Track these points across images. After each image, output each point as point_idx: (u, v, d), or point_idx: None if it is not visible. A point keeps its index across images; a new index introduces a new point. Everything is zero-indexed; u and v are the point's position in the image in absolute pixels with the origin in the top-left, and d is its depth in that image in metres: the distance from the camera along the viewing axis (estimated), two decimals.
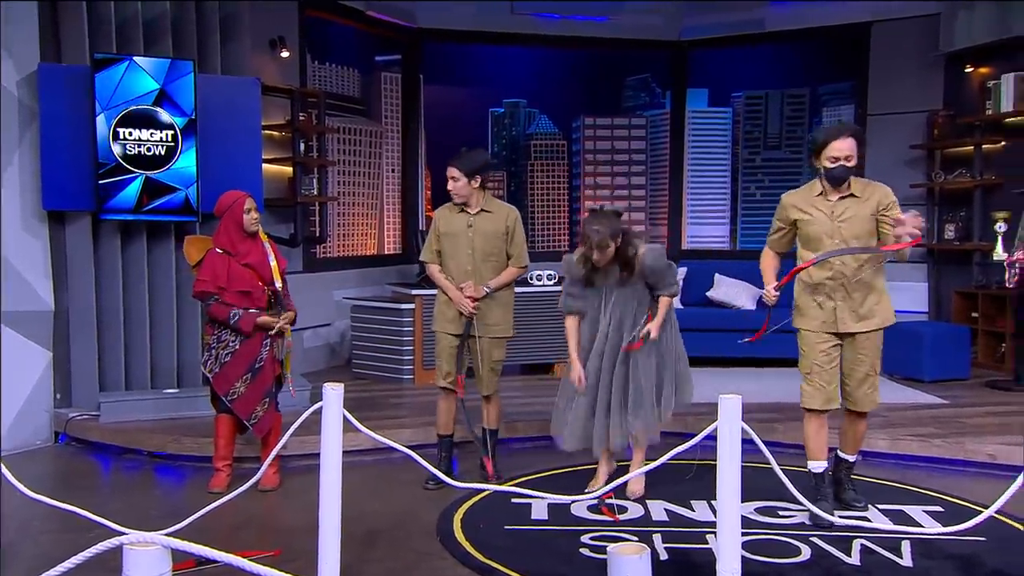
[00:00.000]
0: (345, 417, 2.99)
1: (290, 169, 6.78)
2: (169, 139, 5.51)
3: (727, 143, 9.29)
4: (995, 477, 4.48)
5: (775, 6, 8.46)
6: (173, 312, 5.82)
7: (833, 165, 3.77)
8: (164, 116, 5.50)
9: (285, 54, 6.79)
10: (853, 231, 3.82)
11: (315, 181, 7.02)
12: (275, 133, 6.74)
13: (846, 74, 8.54)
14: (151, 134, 5.47)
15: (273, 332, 4.43)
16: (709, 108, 9.29)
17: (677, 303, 7.49)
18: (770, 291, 3.98)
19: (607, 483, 4.35)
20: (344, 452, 3.06)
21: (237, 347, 4.36)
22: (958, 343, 6.75)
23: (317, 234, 7.28)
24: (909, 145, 7.86)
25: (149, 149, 5.47)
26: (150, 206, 5.51)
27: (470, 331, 4.46)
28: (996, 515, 3.41)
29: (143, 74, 5.43)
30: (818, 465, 4.03)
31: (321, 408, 2.98)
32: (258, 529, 3.92)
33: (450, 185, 4.44)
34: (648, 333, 4.17)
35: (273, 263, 4.47)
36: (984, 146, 7.37)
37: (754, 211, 9.25)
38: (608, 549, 2.89)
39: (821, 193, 3.89)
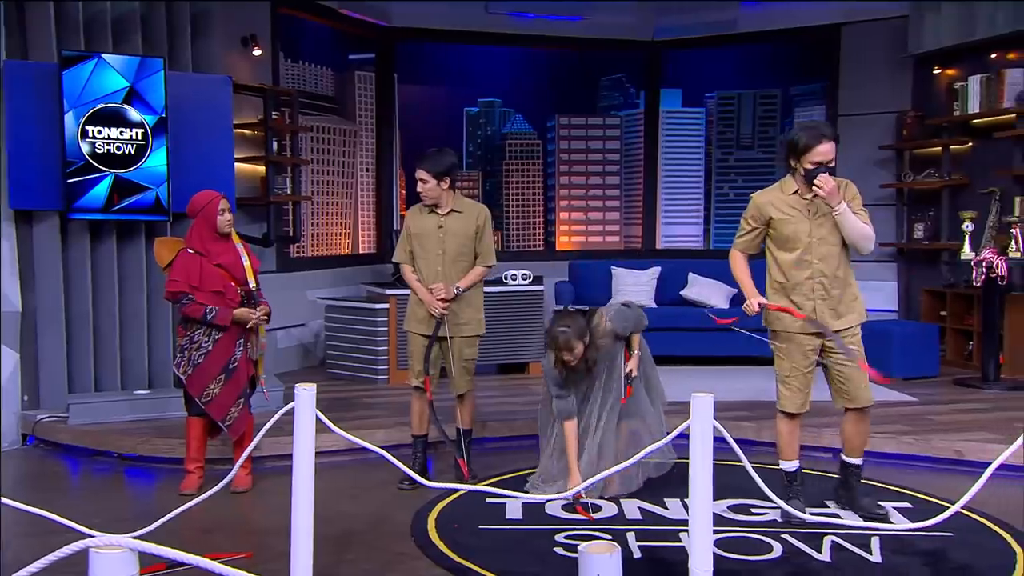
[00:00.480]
0: (318, 418, 2.97)
1: (263, 168, 6.73)
2: (139, 138, 5.45)
3: (700, 143, 9.35)
4: (962, 473, 4.54)
5: (747, 7, 8.53)
6: (144, 312, 5.76)
7: (813, 168, 3.77)
8: (134, 114, 5.44)
9: (257, 52, 6.74)
10: (830, 228, 3.85)
11: (288, 180, 6.98)
12: (247, 132, 6.69)
13: (817, 75, 8.63)
14: (120, 132, 5.40)
15: (250, 326, 4.39)
16: (683, 108, 9.34)
17: (651, 302, 7.59)
18: (754, 304, 3.96)
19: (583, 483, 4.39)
20: (318, 453, 3.04)
21: (210, 348, 4.31)
22: (927, 341, 6.84)
23: (291, 234, 7.24)
24: (879, 146, 7.96)
25: (119, 148, 5.41)
26: (120, 205, 5.44)
27: (441, 331, 4.46)
28: (963, 511, 3.46)
29: (112, 72, 5.37)
30: (790, 464, 4.05)
31: (293, 409, 2.96)
32: (230, 531, 3.89)
33: (419, 187, 4.45)
34: (631, 374, 4.31)
35: (247, 262, 4.43)
36: (952, 147, 7.48)
37: (727, 211, 9.32)
38: (579, 548, 2.90)
39: (796, 192, 3.89)
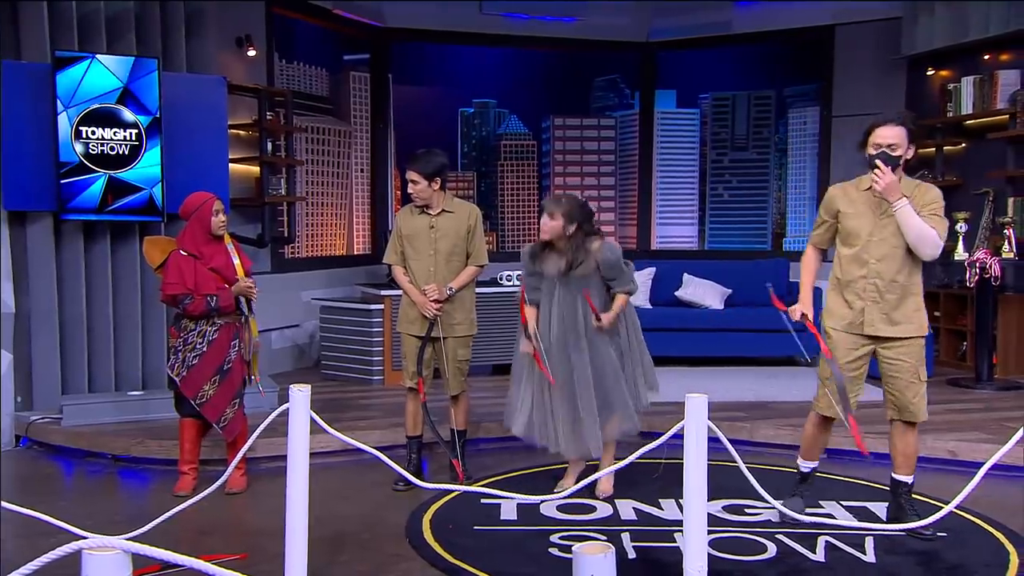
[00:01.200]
0: (313, 418, 2.97)
1: (257, 169, 6.72)
2: (133, 138, 5.44)
3: (695, 144, 9.37)
4: (956, 473, 4.55)
5: (741, 8, 8.54)
6: (138, 313, 5.74)
7: (875, 152, 3.62)
8: (128, 115, 5.42)
9: (252, 52, 6.73)
10: (895, 228, 3.63)
11: (283, 181, 6.96)
12: (242, 132, 6.68)
13: (811, 76, 8.66)
14: (114, 133, 5.39)
15: (252, 298, 4.42)
16: (677, 109, 9.36)
17: (646, 303, 7.60)
18: (797, 313, 3.86)
19: (577, 482, 4.38)
20: (312, 454, 3.04)
21: (204, 349, 4.30)
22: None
23: (285, 234, 7.22)
24: (859, 147, 7.96)
25: (112, 148, 5.39)
26: (113, 206, 5.43)
27: (433, 332, 4.45)
28: (956, 510, 3.48)
29: (106, 72, 5.35)
30: (806, 464, 3.98)
31: (288, 410, 2.96)
32: (225, 532, 3.88)
33: (410, 188, 4.45)
34: (600, 326, 4.14)
35: (237, 262, 4.40)
36: (945, 148, 7.50)
37: (722, 211, 9.34)
38: (573, 549, 2.90)
39: (868, 188, 3.72)
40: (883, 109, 7.88)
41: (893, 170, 3.62)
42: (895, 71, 7.82)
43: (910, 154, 3.69)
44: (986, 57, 7.06)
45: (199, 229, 4.33)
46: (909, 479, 3.80)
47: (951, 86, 7.24)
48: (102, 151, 5.37)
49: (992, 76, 6.87)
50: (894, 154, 3.61)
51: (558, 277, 4.21)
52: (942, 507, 3.24)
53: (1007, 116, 6.79)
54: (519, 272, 6.95)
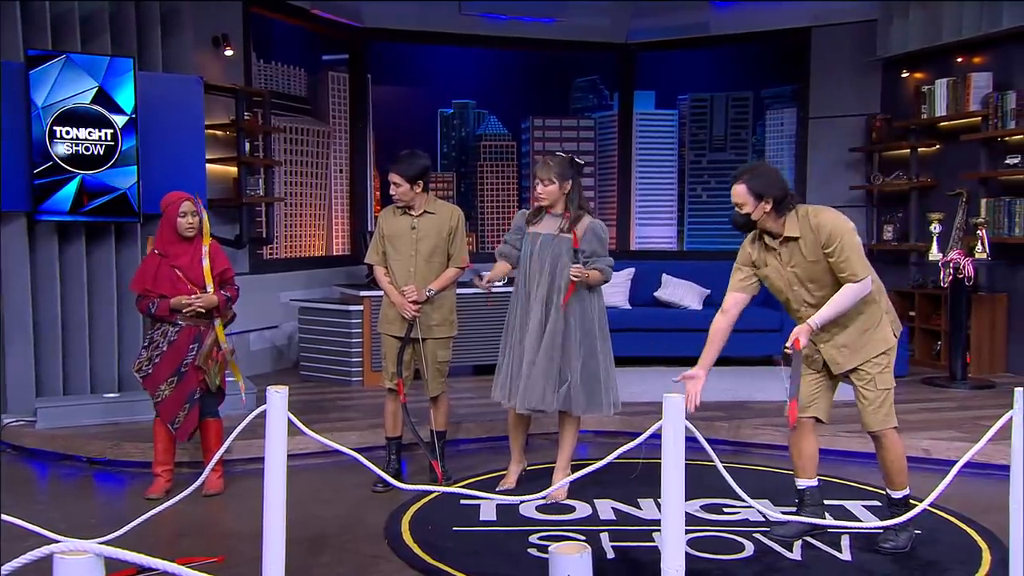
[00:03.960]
0: (290, 420, 2.95)
1: (235, 169, 6.68)
2: (108, 138, 5.39)
3: (674, 145, 9.41)
4: (930, 471, 4.60)
5: (719, 10, 8.59)
6: (113, 315, 5.69)
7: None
8: (103, 114, 5.37)
9: (229, 52, 6.69)
10: (811, 275, 3.53)
11: (261, 181, 6.92)
12: (219, 132, 6.63)
13: (788, 78, 8.72)
14: (89, 133, 5.34)
15: (187, 312, 4.27)
16: (656, 110, 9.40)
17: (626, 303, 7.63)
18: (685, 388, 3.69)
19: (517, 481, 4.40)
20: (291, 455, 3.02)
21: (164, 349, 4.30)
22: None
23: (263, 235, 7.19)
24: (849, 148, 8.05)
25: (87, 148, 5.34)
26: (89, 207, 5.38)
27: (413, 333, 4.45)
28: (930, 508, 3.52)
29: (81, 71, 5.30)
30: (800, 481, 3.78)
31: (265, 411, 2.94)
32: (201, 535, 3.85)
33: (392, 190, 4.45)
34: (574, 274, 4.09)
35: (206, 265, 4.32)
36: (920, 149, 7.59)
37: (700, 212, 9.39)
38: (549, 549, 2.90)
39: (757, 240, 3.64)
40: (859, 110, 8.01)
41: (747, 227, 3.58)
42: (871, 73, 7.90)
43: (767, 207, 3.51)
44: (959, 60, 7.15)
45: (167, 228, 4.32)
46: (897, 494, 3.62)
47: (925, 88, 7.33)
48: (77, 151, 5.32)
49: (965, 78, 6.95)
50: (742, 212, 3.55)
51: (548, 236, 4.21)
52: (916, 505, 3.27)
53: (979, 118, 6.88)
54: None
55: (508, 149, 9.50)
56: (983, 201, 6.84)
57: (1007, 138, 6.73)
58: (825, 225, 3.48)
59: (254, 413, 3.04)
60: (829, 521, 3.85)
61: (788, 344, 3.50)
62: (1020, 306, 6.77)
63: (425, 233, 4.46)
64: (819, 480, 3.82)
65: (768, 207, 3.53)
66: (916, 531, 3.67)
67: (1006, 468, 2.67)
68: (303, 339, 7.01)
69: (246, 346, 7.03)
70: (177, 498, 3.37)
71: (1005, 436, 2.67)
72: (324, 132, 8.15)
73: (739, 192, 3.55)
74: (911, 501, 3.57)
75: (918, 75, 7.54)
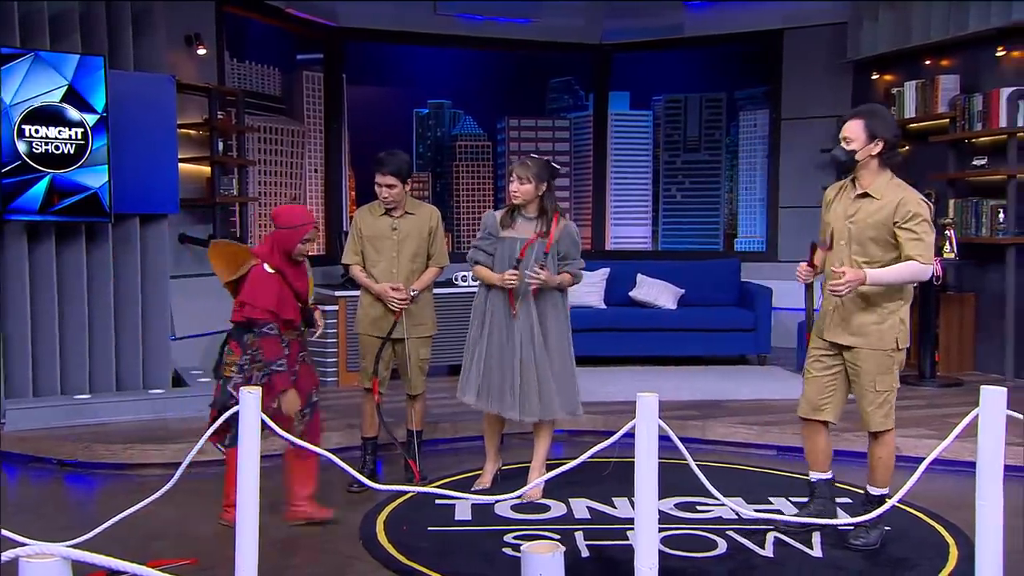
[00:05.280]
0: (263, 421, 2.94)
1: (208, 169, 6.63)
2: (78, 137, 5.33)
3: (648, 145, 9.46)
4: (899, 468, 4.63)
5: (693, 11, 8.65)
6: (84, 315, 5.62)
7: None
8: (73, 113, 5.31)
9: (202, 51, 6.64)
10: (861, 237, 3.54)
11: (235, 181, 6.88)
12: (192, 132, 6.58)
13: (761, 79, 8.80)
14: (59, 132, 5.27)
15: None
16: (631, 111, 9.44)
17: (601, 303, 7.65)
18: (802, 268, 3.72)
19: (493, 481, 4.42)
20: (266, 456, 3.01)
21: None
22: None
23: (237, 235, 7.13)
24: (820, 149, 8.12)
25: (57, 147, 5.28)
26: (58, 206, 5.31)
27: (396, 332, 4.44)
28: (899, 505, 3.57)
29: (50, 69, 5.24)
30: (812, 474, 3.84)
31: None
32: (174, 537, 3.82)
33: (385, 192, 4.39)
34: (534, 269, 4.10)
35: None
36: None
37: (675, 212, 9.45)
38: (521, 548, 2.91)
39: (844, 189, 3.66)
40: (830, 112, 8.09)
41: (849, 166, 3.57)
42: (842, 75, 7.99)
43: (876, 149, 3.52)
44: (927, 62, 7.24)
45: (279, 248, 3.80)
46: (877, 491, 3.66)
47: (895, 90, 7.42)
48: (46, 150, 5.25)
49: (933, 81, 7.04)
50: (848, 147, 3.53)
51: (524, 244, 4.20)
52: (886, 502, 3.32)
53: (947, 120, 6.97)
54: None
55: (484, 149, 9.50)
56: (951, 202, 6.94)
57: (974, 140, 6.83)
58: (910, 200, 3.49)
59: (228, 413, 3.02)
60: (836, 518, 3.85)
61: (834, 282, 3.47)
62: (988, 305, 6.88)
63: (407, 234, 4.45)
64: (832, 474, 3.88)
65: (876, 150, 3.52)
66: (886, 527, 3.72)
67: (973, 464, 2.71)
68: None
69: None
70: (147, 500, 3.35)
71: (972, 433, 2.71)
72: (299, 132, 8.11)
73: (853, 127, 3.52)
74: (886, 499, 3.62)
75: (888, 77, 7.63)
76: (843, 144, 3.57)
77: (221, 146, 6.74)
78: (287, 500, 3.95)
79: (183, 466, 3.51)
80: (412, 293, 4.42)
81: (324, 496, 4.36)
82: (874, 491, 3.68)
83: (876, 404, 3.60)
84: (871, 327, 3.56)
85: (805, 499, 3.93)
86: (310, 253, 3.94)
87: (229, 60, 7.19)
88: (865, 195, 3.58)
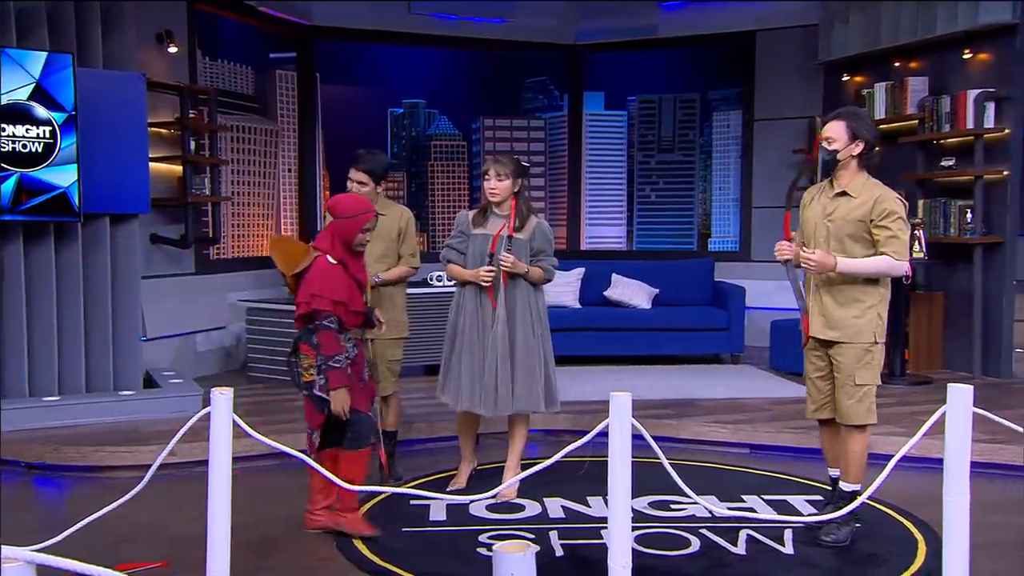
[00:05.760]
0: (236, 422, 2.92)
1: (180, 168, 6.56)
2: (47, 135, 5.25)
3: (623, 146, 9.51)
4: (869, 465, 4.69)
5: (667, 13, 8.70)
6: (53, 316, 5.54)
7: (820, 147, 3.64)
8: (41, 111, 5.23)
9: (173, 49, 6.58)
10: (840, 234, 3.61)
11: (207, 180, 6.82)
12: (163, 131, 6.52)
13: (734, 80, 8.87)
14: (27, 130, 5.19)
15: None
16: (605, 111, 9.48)
17: (576, 302, 7.67)
18: (782, 244, 3.74)
19: (467, 480, 4.42)
20: (239, 458, 3.00)
21: (350, 370, 3.68)
22: None
23: (210, 235, 7.07)
24: (792, 149, 8.20)
25: (25, 146, 5.20)
26: (26, 205, 5.23)
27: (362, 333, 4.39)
28: (869, 501, 3.62)
29: (17, 67, 5.16)
30: (832, 471, 3.90)
31: (209, 413, 2.90)
32: (145, 540, 3.78)
33: (356, 188, 4.37)
34: (502, 258, 4.11)
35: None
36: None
37: (649, 212, 9.50)
38: (493, 547, 2.91)
39: (824, 189, 3.74)
40: (802, 113, 8.17)
41: (831, 165, 3.65)
42: (813, 76, 8.07)
43: (857, 149, 3.62)
44: (896, 64, 7.34)
45: (340, 238, 3.67)
46: (848, 487, 3.69)
47: (865, 91, 7.50)
48: (13, 149, 5.17)
49: (903, 82, 7.13)
50: (830, 147, 3.62)
51: (498, 239, 4.20)
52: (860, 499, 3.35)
53: (916, 121, 7.06)
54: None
55: (459, 149, 9.50)
56: (920, 202, 7.04)
57: (942, 141, 6.93)
58: (887, 198, 3.59)
59: (198, 415, 3.00)
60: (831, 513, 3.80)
61: (806, 255, 3.58)
62: (956, 304, 6.98)
63: (376, 235, 4.40)
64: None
65: (857, 150, 3.62)
66: (856, 524, 3.77)
67: (941, 461, 2.75)
68: (251, 340, 6.93)
69: (192, 348, 6.92)
70: (117, 503, 3.31)
71: (940, 430, 2.75)
72: (272, 131, 8.06)
73: (835, 127, 3.62)
74: (857, 495, 3.66)
75: (858, 79, 7.72)
76: (825, 144, 3.66)
77: (193, 145, 6.68)
78: (308, 506, 3.86)
79: (153, 468, 3.47)
80: (376, 279, 4.36)
81: (297, 498, 4.33)
82: (847, 487, 3.71)
83: (856, 398, 3.65)
84: (850, 320, 3.63)
85: (831, 496, 3.93)
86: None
87: (201, 58, 7.13)
88: (843, 194, 3.66)
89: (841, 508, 3.52)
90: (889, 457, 3.16)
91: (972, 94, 6.56)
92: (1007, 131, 6.52)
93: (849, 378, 3.65)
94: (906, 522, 3.94)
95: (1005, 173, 6.55)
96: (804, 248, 3.64)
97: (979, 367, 6.70)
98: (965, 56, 6.75)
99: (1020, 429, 3.01)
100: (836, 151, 3.62)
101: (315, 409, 3.69)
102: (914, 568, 3.44)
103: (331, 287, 3.58)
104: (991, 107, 6.55)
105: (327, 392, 3.60)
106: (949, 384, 2.76)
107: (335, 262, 3.64)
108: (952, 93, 6.77)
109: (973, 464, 2.74)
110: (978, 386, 3.06)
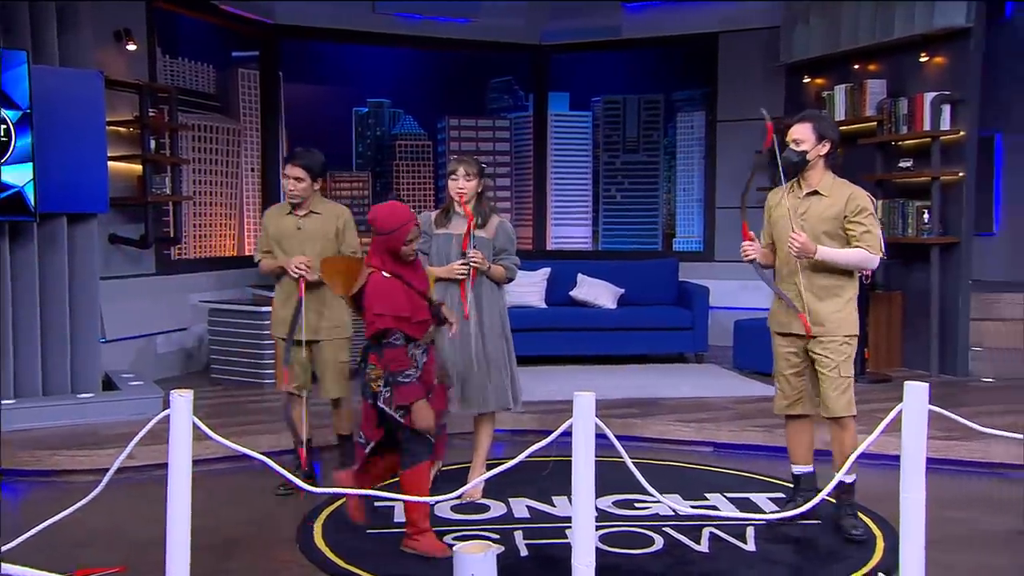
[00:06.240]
0: (195, 424, 2.88)
1: (139, 167, 6.47)
2: (1, 134, 5.14)
3: (588, 146, 9.54)
4: (828, 462, 4.78)
5: (631, 14, 8.75)
6: (8, 317, 5.43)
7: (787, 149, 3.72)
8: None
9: (132, 47, 6.48)
10: (815, 232, 3.68)
11: (168, 180, 6.72)
12: (122, 129, 6.41)
13: (698, 81, 8.94)
14: None
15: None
16: (570, 112, 9.51)
17: (541, 302, 7.69)
18: (744, 246, 3.80)
19: (432, 482, 4.37)
20: (202, 460, 2.96)
21: (417, 375, 3.53)
22: None
23: (171, 235, 6.98)
24: (755, 151, 8.28)
25: None
26: None
27: (303, 335, 4.27)
28: (829, 498, 3.66)
29: None
30: (796, 468, 3.98)
31: (169, 415, 2.86)
32: (103, 544, 3.72)
33: (291, 186, 4.31)
34: (471, 255, 4.11)
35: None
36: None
37: (614, 213, 9.54)
38: (454, 548, 2.90)
39: (792, 189, 3.82)
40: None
41: (800, 166, 3.73)
42: (775, 78, 8.16)
43: (824, 149, 3.72)
44: (856, 67, 7.45)
45: (387, 252, 3.52)
46: (848, 479, 3.78)
47: (825, 93, 7.60)
48: None
49: (862, 85, 7.24)
50: (799, 149, 3.71)
51: (457, 239, 4.19)
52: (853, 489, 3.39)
53: (875, 123, 7.18)
54: None
55: (424, 149, 9.47)
56: (879, 202, 7.14)
57: (900, 142, 7.05)
58: (859, 196, 3.71)
59: (157, 418, 2.95)
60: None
61: (794, 235, 3.63)
62: (914, 304, 7.10)
63: (311, 235, 4.35)
64: (814, 467, 4.00)
65: (824, 150, 3.73)
66: (816, 521, 3.82)
67: (898, 458, 2.80)
68: (213, 341, 6.84)
69: (153, 349, 6.82)
70: (73, 507, 3.25)
71: (897, 428, 2.80)
72: (235, 130, 7.97)
73: (802, 130, 3.72)
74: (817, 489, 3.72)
75: (819, 80, 7.82)
76: (793, 146, 3.75)
77: (153, 144, 6.58)
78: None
79: (111, 471, 3.42)
80: (314, 276, 4.26)
81: (259, 500, 4.30)
82: (847, 478, 3.79)
83: (841, 390, 3.73)
84: (833, 315, 3.72)
85: (794, 493, 3.99)
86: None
87: (161, 56, 7.03)
88: (814, 193, 3.75)
89: (845, 500, 3.77)
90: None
91: (929, 96, 6.68)
92: (962, 133, 6.64)
93: (834, 371, 3.73)
94: (865, 518, 3.99)
95: (960, 174, 6.68)
96: (792, 235, 3.65)
97: (936, 365, 6.82)
98: (922, 59, 6.88)
99: (975, 426, 3.07)
100: (805, 152, 3.72)
101: (375, 420, 3.58)
102: (872, 563, 3.50)
103: (391, 304, 3.44)
104: (947, 109, 6.67)
105: (391, 405, 3.49)
106: (905, 382, 2.81)
107: (389, 276, 3.49)
108: (909, 95, 6.89)
109: (929, 460, 2.79)
110: (935, 384, 3.12)
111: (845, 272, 3.75)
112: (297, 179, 4.30)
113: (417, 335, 3.52)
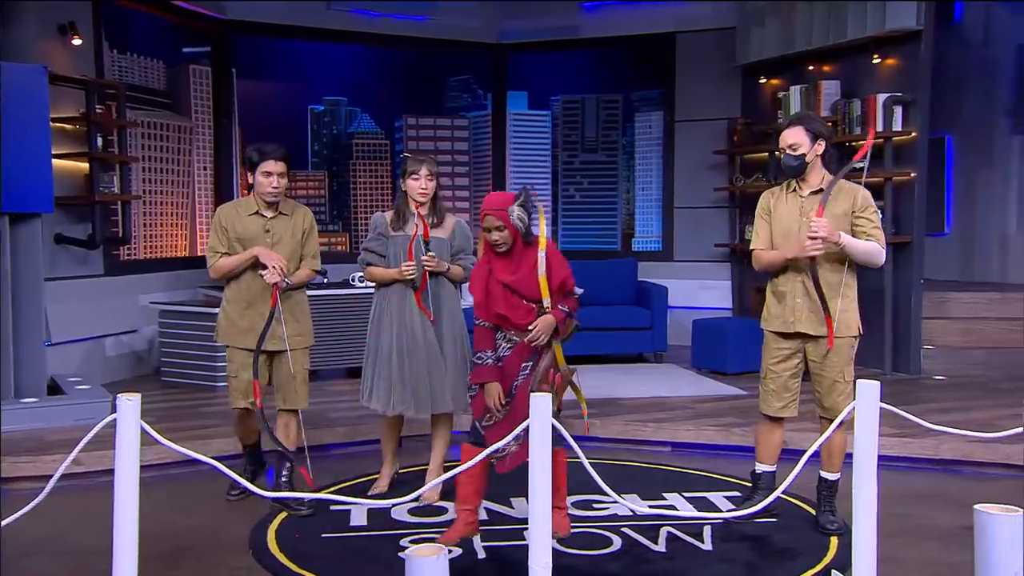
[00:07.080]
0: (144, 429, 2.79)
1: (86, 165, 6.30)
2: None
3: (547, 146, 9.54)
4: (786, 461, 4.80)
5: (588, 13, 8.76)
6: None
7: (783, 155, 3.74)
8: None
9: (77, 41, 6.30)
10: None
11: (116, 178, 6.56)
12: (68, 126, 6.24)
13: (655, 82, 8.99)
14: None
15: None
16: (529, 111, 9.50)
17: None
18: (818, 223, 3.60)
19: (389, 485, 4.35)
20: (151, 465, 2.89)
21: (501, 358, 3.62)
22: (758, 338, 7.15)
23: (120, 235, 6.81)
24: (712, 151, 8.35)
25: None
26: None
27: (272, 345, 4.07)
28: (784, 496, 3.68)
29: None
30: (760, 466, 4.00)
31: (116, 420, 2.77)
32: (48, 553, 3.61)
33: (275, 183, 4.04)
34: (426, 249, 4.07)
35: (542, 275, 3.55)
36: (777, 152, 7.94)
37: (574, 212, 9.55)
38: (405, 551, 2.85)
39: (794, 190, 3.81)
40: (721, 114, 8.32)
41: (800, 171, 3.74)
42: (732, 79, 8.23)
43: (821, 148, 3.74)
44: (811, 68, 7.54)
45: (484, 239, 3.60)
46: (833, 476, 3.84)
47: (781, 94, 7.68)
48: None
49: (816, 86, 7.33)
50: (796, 153, 3.72)
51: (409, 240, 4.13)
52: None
53: (830, 124, 7.24)
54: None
55: (381, 148, 9.38)
56: None
57: (854, 143, 7.14)
58: (864, 192, 3.74)
59: (104, 422, 2.86)
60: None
61: (817, 228, 3.54)
62: (868, 303, 7.10)
63: (280, 237, 4.13)
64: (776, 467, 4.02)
65: (821, 149, 3.74)
66: (772, 519, 3.84)
67: (851, 456, 2.82)
68: (164, 344, 6.70)
69: (102, 352, 6.66)
70: (17, 514, 3.14)
71: (851, 426, 2.82)
72: (186, 128, 7.81)
73: (795, 133, 3.71)
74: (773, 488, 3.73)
75: (775, 81, 7.90)
76: (789, 151, 3.75)
77: (101, 141, 6.41)
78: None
79: (55, 477, 3.31)
80: (286, 283, 4.06)
81: (211, 506, 4.21)
82: (831, 476, 3.85)
83: (846, 394, 3.72)
84: (840, 315, 3.71)
85: (754, 491, 4.02)
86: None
87: (109, 51, 6.86)
88: (818, 192, 3.75)
89: (821, 497, 3.84)
90: (803, 452, 3.22)
91: (881, 98, 6.78)
92: (914, 134, 6.75)
93: (840, 374, 3.75)
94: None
95: (912, 175, 6.78)
96: (816, 218, 3.58)
97: (890, 364, 6.91)
98: (875, 61, 6.97)
99: (926, 424, 3.10)
100: (803, 155, 3.72)
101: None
102: (826, 560, 3.52)
103: (472, 287, 3.66)
104: (899, 111, 6.78)
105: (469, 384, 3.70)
106: (858, 380, 2.83)
107: (484, 261, 3.64)
108: (863, 97, 6.98)
109: (882, 458, 2.81)
110: (888, 382, 3.16)
111: (851, 269, 3.71)
112: (281, 175, 4.06)
113: (509, 327, 3.61)
